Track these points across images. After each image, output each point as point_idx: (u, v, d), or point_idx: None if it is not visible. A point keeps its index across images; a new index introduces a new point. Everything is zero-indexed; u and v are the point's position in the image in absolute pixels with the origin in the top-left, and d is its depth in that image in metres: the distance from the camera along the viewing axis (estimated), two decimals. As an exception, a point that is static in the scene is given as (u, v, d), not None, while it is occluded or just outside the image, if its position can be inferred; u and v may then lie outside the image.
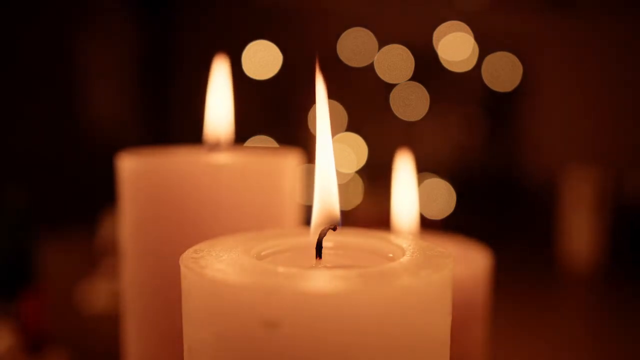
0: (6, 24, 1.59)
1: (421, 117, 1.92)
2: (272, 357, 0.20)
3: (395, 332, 0.21)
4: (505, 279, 0.57)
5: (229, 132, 0.39)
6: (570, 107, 1.91)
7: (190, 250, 0.25)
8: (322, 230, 0.25)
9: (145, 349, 0.35)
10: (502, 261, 0.45)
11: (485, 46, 1.90)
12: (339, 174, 0.25)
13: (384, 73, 1.91)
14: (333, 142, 0.26)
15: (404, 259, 0.24)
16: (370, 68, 1.91)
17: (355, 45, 1.90)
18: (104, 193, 0.76)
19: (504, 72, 1.93)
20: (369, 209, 1.61)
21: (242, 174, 0.34)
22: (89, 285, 0.85)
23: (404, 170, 0.40)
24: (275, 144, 1.79)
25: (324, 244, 0.26)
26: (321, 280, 0.21)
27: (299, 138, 1.78)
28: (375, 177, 1.71)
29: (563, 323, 0.97)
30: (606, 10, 1.77)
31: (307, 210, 0.28)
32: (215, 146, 0.38)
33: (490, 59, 1.91)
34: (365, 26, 1.88)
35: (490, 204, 1.78)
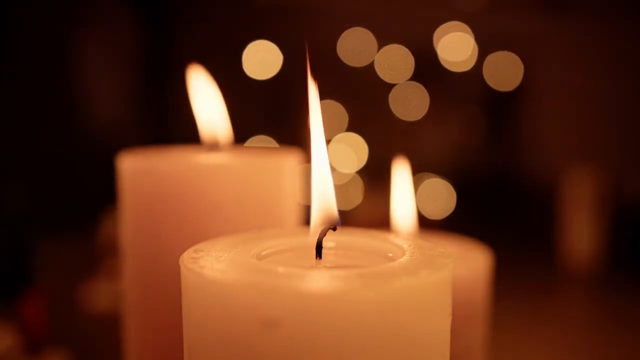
0: (5, 23, 1.59)
1: (421, 117, 1.92)
2: (272, 357, 0.20)
3: (395, 332, 0.21)
4: (505, 279, 0.57)
5: (228, 132, 0.39)
6: (570, 107, 1.91)
7: (190, 250, 0.25)
8: (322, 230, 0.25)
9: (146, 349, 0.35)
10: (502, 261, 0.44)
11: (486, 46, 1.90)
12: (338, 174, 0.25)
13: (384, 73, 1.91)
14: (333, 142, 0.26)
15: (404, 259, 0.24)
16: (370, 68, 1.90)
17: (355, 45, 1.89)
18: (104, 193, 0.76)
19: (505, 72, 1.93)
20: (369, 209, 1.61)
21: (242, 174, 0.34)
22: (89, 285, 0.85)
23: (400, 177, 0.40)
24: (275, 144, 1.79)
25: (324, 244, 0.26)
26: (321, 280, 0.21)
27: (299, 138, 1.78)
28: (375, 177, 1.71)
29: (563, 323, 0.96)
30: (607, 10, 1.77)
31: (307, 210, 0.28)
32: (215, 146, 0.38)
33: (491, 58, 1.91)
34: (365, 26, 1.88)
35: (491, 204, 1.78)
